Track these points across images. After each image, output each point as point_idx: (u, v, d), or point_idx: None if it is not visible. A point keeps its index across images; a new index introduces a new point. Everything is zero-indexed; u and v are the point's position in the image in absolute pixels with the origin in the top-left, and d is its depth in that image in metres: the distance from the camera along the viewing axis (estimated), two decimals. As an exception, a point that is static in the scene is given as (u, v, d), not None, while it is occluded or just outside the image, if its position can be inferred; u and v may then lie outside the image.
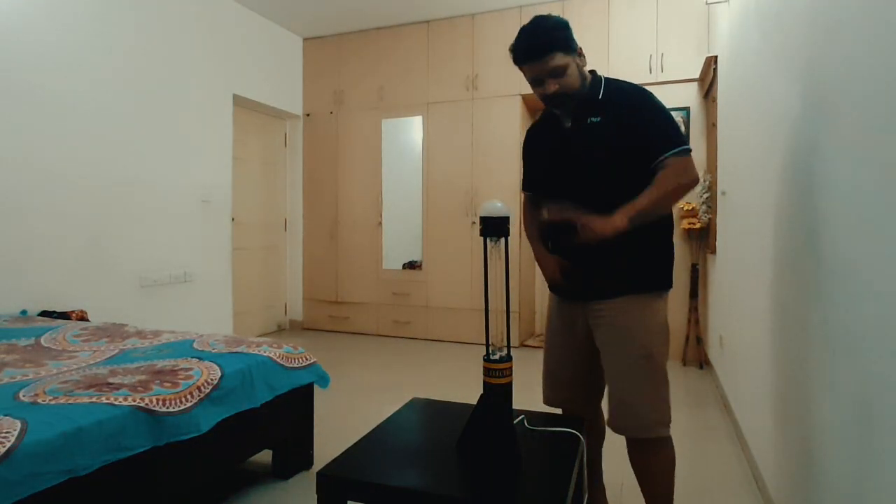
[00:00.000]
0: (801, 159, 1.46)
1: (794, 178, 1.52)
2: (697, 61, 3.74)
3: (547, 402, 1.66)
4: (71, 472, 1.23)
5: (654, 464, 1.49)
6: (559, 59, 1.38)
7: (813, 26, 1.39)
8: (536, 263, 1.66)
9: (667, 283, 1.49)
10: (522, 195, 1.76)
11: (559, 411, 1.68)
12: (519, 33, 1.42)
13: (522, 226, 1.73)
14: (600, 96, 1.46)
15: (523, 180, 1.73)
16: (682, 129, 3.87)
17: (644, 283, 1.45)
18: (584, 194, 1.43)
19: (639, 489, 1.56)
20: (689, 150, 1.40)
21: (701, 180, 3.69)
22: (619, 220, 1.32)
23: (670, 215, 1.49)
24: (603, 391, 1.61)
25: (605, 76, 1.51)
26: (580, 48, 1.45)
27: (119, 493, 1.40)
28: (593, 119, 1.44)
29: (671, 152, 1.37)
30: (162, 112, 3.55)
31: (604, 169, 1.43)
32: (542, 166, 1.61)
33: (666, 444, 1.48)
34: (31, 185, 2.78)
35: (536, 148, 1.64)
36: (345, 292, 4.91)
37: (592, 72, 1.51)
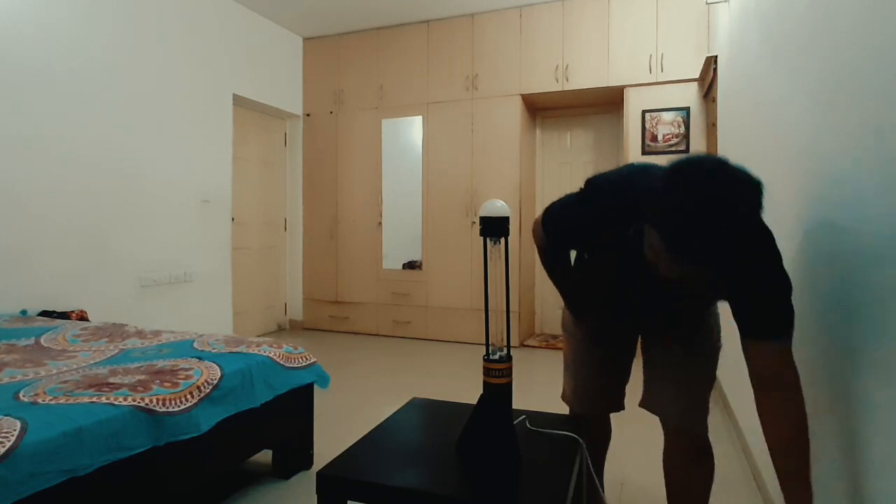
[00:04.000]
0: (801, 159, 1.46)
1: (794, 178, 1.52)
2: (697, 61, 3.74)
3: (575, 409, 1.56)
4: (71, 472, 1.23)
5: (697, 475, 1.39)
6: (710, 274, 0.99)
7: (813, 26, 1.39)
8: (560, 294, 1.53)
9: None
10: (542, 230, 1.38)
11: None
12: (706, 198, 0.90)
13: (539, 257, 1.47)
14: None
15: (556, 232, 1.35)
16: (682, 130, 3.88)
17: None
18: (640, 297, 1.29)
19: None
20: (788, 344, 1.05)
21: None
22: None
23: None
24: (624, 397, 1.56)
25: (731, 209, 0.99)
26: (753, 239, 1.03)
27: (119, 493, 1.40)
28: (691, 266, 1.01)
29: (773, 341, 1.05)
30: (162, 112, 3.55)
31: (682, 302, 1.27)
32: (593, 247, 1.38)
33: (712, 453, 1.40)
34: (31, 184, 2.78)
35: (600, 235, 1.28)
36: (345, 292, 4.91)
37: None
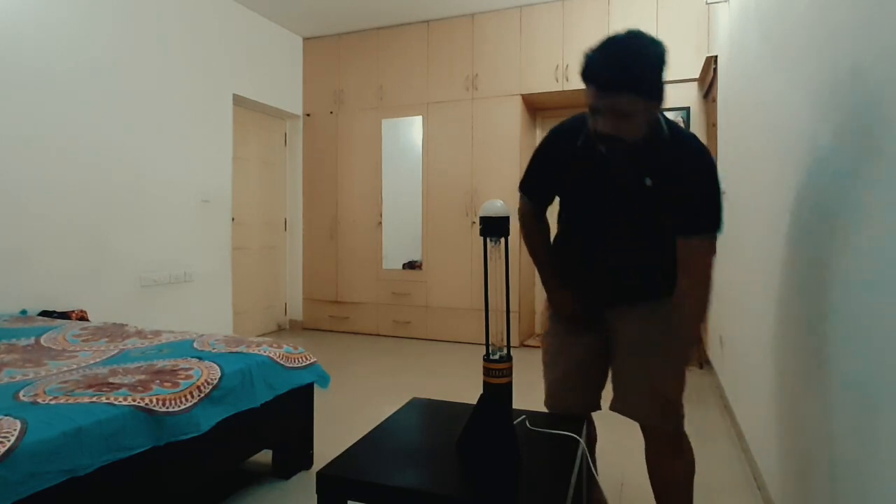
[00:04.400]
0: (801, 159, 1.46)
1: (794, 178, 1.52)
2: (697, 61, 3.74)
3: (551, 408, 1.62)
4: (71, 472, 1.23)
5: (680, 466, 1.47)
6: (632, 102, 1.18)
7: (813, 26, 1.39)
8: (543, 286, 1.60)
9: None
10: (520, 199, 1.59)
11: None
12: (604, 44, 1.18)
13: (522, 239, 1.61)
14: (657, 153, 1.30)
15: (529, 183, 1.55)
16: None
17: (672, 287, 1.42)
18: (615, 234, 1.39)
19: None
20: (714, 238, 1.33)
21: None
22: (697, 332, 1.36)
23: None
24: (600, 398, 1.59)
25: (667, 121, 1.33)
26: (663, 91, 1.22)
27: (119, 493, 1.40)
28: (648, 182, 1.31)
29: (700, 235, 1.31)
30: (162, 112, 3.55)
31: (642, 224, 1.37)
32: (563, 185, 1.49)
33: (689, 447, 1.48)
34: (32, 184, 2.79)
35: (563, 164, 1.44)
36: (345, 292, 4.91)
37: (661, 118, 1.32)
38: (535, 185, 1.55)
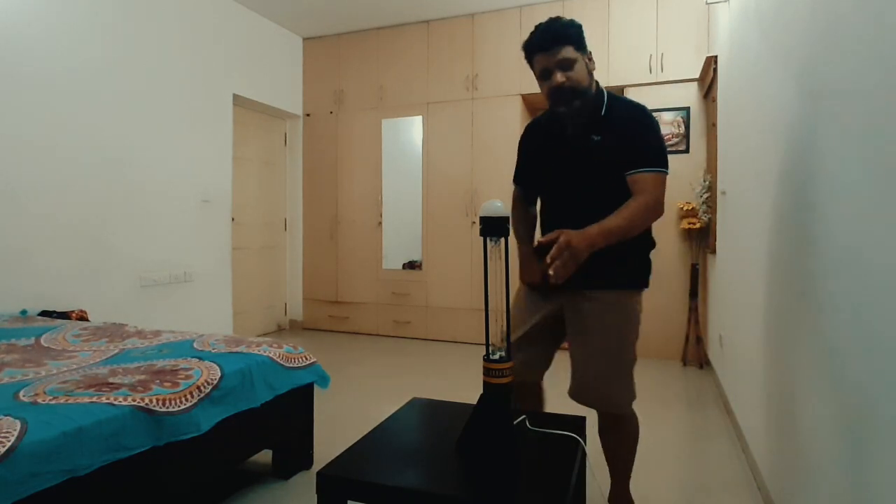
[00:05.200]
0: (801, 159, 1.46)
1: (794, 178, 1.52)
2: (697, 61, 3.74)
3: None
4: (71, 472, 1.23)
5: (624, 436, 1.63)
6: (570, 52, 1.43)
7: (812, 26, 1.39)
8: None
9: (646, 283, 1.63)
10: (514, 189, 1.81)
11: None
12: (534, 28, 1.48)
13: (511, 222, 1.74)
14: (603, 113, 1.51)
15: (518, 173, 1.79)
16: (682, 130, 3.88)
17: (631, 281, 1.58)
18: (578, 202, 1.51)
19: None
20: (666, 173, 1.49)
21: (701, 180, 3.69)
22: (592, 240, 1.36)
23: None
24: (549, 365, 1.71)
25: (608, 91, 1.56)
26: (590, 53, 1.50)
27: (119, 493, 1.40)
28: (595, 137, 1.50)
29: (646, 169, 1.46)
30: (162, 112, 3.55)
31: (600, 185, 1.51)
32: (539, 167, 1.68)
33: (633, 419, 1.63)
34: (32, 184, 2.78)
35: (537, 148, 1.68)
36: (345, 292, 4.91)
37: (597, 84, 1.55)
38: (519, 174, 1.78)
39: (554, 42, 1.43)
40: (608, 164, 1.49)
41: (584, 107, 1.49)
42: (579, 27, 1.47)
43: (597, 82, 1.55)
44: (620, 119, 1.50)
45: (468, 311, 4.45)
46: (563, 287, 1.53)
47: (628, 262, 1.55)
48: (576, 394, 1.60)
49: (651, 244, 1.62)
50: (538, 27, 1.48)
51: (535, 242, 1.58)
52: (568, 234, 1.32)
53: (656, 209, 1.47)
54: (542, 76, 1.48)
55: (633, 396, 1.58)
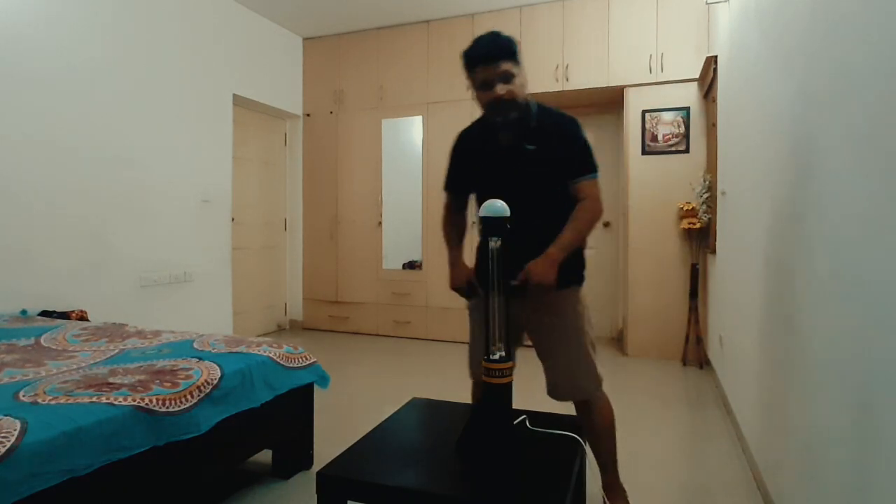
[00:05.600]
0: (801, 159, 1.46)
1: (794, 178, 1.52)
2: (697, 61, 3.74)
3: (473, 377, 1.79)
4: (71, 472, 1.23)
5: (599, 420, 1.70)
6: (511, 66, 1.53)
7: (812, 26, 1.39)
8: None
9: (583, 278, 1.75)
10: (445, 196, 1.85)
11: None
12: (475, 41, 1.56)
13: (442, 224, 1.89)
14: (533, 124, 1.62)
15: (449, 181, 1.83)
16: (682, 130, 3.88)
17: (577, 278, 1.71)
18: (513, 207, 1.54)
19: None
20: (599, 176, 1.65)
21: (701, 180, 3.69)
22: (554, 259, 1.51)
23: None
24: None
25: (537, 102, 1.66)
26: (522, 67, 1.61)
27: (119, 493, 1.40)
28: (528, 146, 1.60)
29: (585, 177, 1.61)
30: (162, 112, 3.55)
31: (533, 190, 1.61)
32: (472, 175, 1.75)
33: (603, 400, 1.72)
34: (32, 184, 2.78)
35: (470, 156, 1.75)
36: (345, 292, 4.91)
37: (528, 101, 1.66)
38: (450, 182, 1.83)
39: (498, 56, 1.52)
40: (541, 172, 1.60)
41: (519, 117, 1.59)
42: (517, 43, 1.57)
43: (527, 99, 1.66)
44: (551, 128, 1.62)
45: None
46: (517, 293, 1.62)
47: (571, 262, 1.66)
48: (551, 391, 1.69)
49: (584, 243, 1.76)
50: (481, 39, 1.56)
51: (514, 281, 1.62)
52: (534, 270, 1.48)
53: (600, 210, 1.64)
54: (482, 87, 1.55)
55: (599, 380, 1.69)
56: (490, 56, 1.52)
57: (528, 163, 1.61)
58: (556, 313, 1.66)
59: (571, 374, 1.67)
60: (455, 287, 1.75)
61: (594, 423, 1.70)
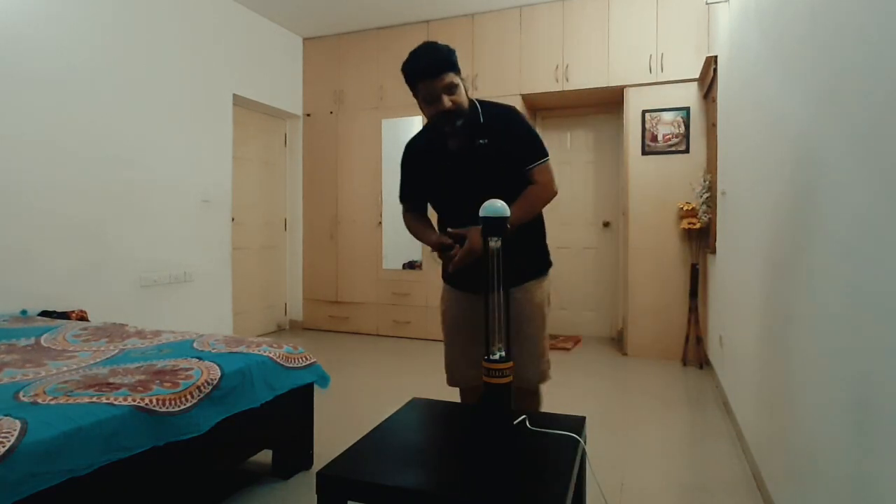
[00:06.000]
0: (801, 158, 1.46)
1: (794, 178, 1.52)
2: (697, 61, 3.74)
3: (452, 384, 1.85)
4: (71, 472, 1.23)
5: (528, 406, 1.76)
6: (453, 77, 1.56)
7: (813, 26, 1.39)
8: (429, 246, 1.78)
9: (549, 263, 1.80)
10: (402, 208, 1.88)
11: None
12: (413, 55, 1.57)
13: (407, 229, 1.91)
14: (482, 120, 1.65)
15: (402, 192, 1.85)
16: (682, 130, 3.88)
17: (538, 271, 1.75)
18: (474, 202, 1.55)
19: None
20: (548, 160, 1.69)
21: (701, 180, 3.69)
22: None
23: (540, 215, 1.77)
24: None
25: (476, 99, 1.69)
26: (461, 71, 1.65)
27: (119, 493, 1.40)
28: (481, 141, 1.64)
29: (537, 163, 1.66)
30: (162, 112, 3.55)
31: (494, 183, 1.61)
32: (427, 183, 1.78)
33: (541, 393, 1.80)
34: (32, 184, 2.79)
35: (423, 165, 1.77)
36: (345, 292, 4.91)
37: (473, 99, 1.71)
38: (406, 192, 1.85)
39: (440, 70, 1.54)
40: (496, 162, 1.64)
41: (466, 124, 1.62)
42: (454, 52, 1.60)
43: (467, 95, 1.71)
44: (497, 120, 1.67)
45: (468, 311, 4.44)
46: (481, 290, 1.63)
47: (531, 255, 1.73)
48: (520, 373, 1.68)
49: (544, 232, 1.80)
50: (419, 53, 1.57)
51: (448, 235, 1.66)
52: (473, 237, 1.50)
53: (552, 192, 1.69)
54: (427, 101, 1.57)
55: (546, 376, 1.75)
56: (431, 70, 1.53)
57: (484, 157, 1.64)
58: (527, 305, 1.69)
59: (528, 365, 1.70)
60: (444, 247, 1.68)
61: (522, 406, 1.73)
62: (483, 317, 1.67)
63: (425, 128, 1.78)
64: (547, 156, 1.69)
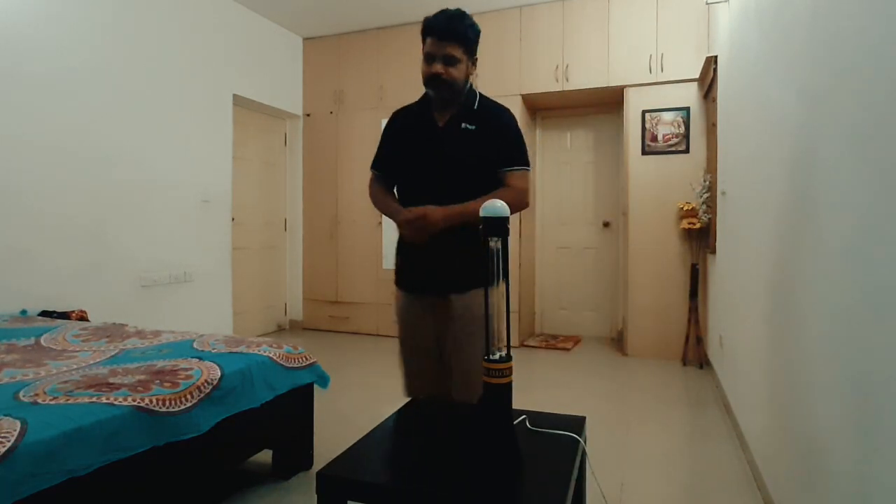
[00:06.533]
0: (801, 159, 1.46)
1: (794, 178, 1.52)
2: (697, 61, 3.74)
3: (412, 396, 1.77)
4: (71, 472, 1.23)
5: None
6: (458, 51, 1.57)
7: (813, 26, 1.39)
8: (393, 219, 1.73)
9: (493, 283, 1.72)
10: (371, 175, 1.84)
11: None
12: (441, 11, 1.58)
13: (370, 198, 1.86)
14: (475, 107, 1.66)
15: (377, 159, 1.82)
16: (682, 130, 3.88)
17: (480, 280, 1.63)
18: (442, 188, 1.59)
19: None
20: (529, 170, 1.69)
21: (701, 180, 3.69)
22: (448, 215, 1.54)
23: None
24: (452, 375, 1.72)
25: (480, 92, 1.71)
26: (476, 60, 1.66)
27: (119, 493, 1.40)
28: (468, 126, 1.64)
29: (518, 167, 1.65)
30: (162, 112, 3.55)
31: (468, 170, 1.63)
32: (403, 153, 1.74)
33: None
34: (32, 184, 2.79)
35: (403, 135, 1.75)
36: (345, 292, 4.91)
37: (471, 86, 1.72)
38: (380, 159, 1.82)
39: (450, 36, 1.55)
40: (475, 150, 1.62)
41: (452, 97, 1.63)
42: (478, 34, 1.60)
43: (471, 84, 1.71)
44: (491, 114, 1.67)
45: (468, 311, 4.43)
46: (433, 294, 1.66)
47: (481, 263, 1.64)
48: (458, 395, 1.64)
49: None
50: (445, 12, 1.58)
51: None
52: (430, 214, 1.52)
53: (523, 201, 1.65)
54: (427, 58, 1.60)
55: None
56: (441, 31, 1.55)
57: (464, 142, 1.62)
58: (462, 315, 1.62)
59: (468, 378, 1.60)
60: (408, 225, 1.63)
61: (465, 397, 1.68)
62: (433, 327, 1.69)
63: (419, 99, 1.77)
64: (529, 166, 1.69)
